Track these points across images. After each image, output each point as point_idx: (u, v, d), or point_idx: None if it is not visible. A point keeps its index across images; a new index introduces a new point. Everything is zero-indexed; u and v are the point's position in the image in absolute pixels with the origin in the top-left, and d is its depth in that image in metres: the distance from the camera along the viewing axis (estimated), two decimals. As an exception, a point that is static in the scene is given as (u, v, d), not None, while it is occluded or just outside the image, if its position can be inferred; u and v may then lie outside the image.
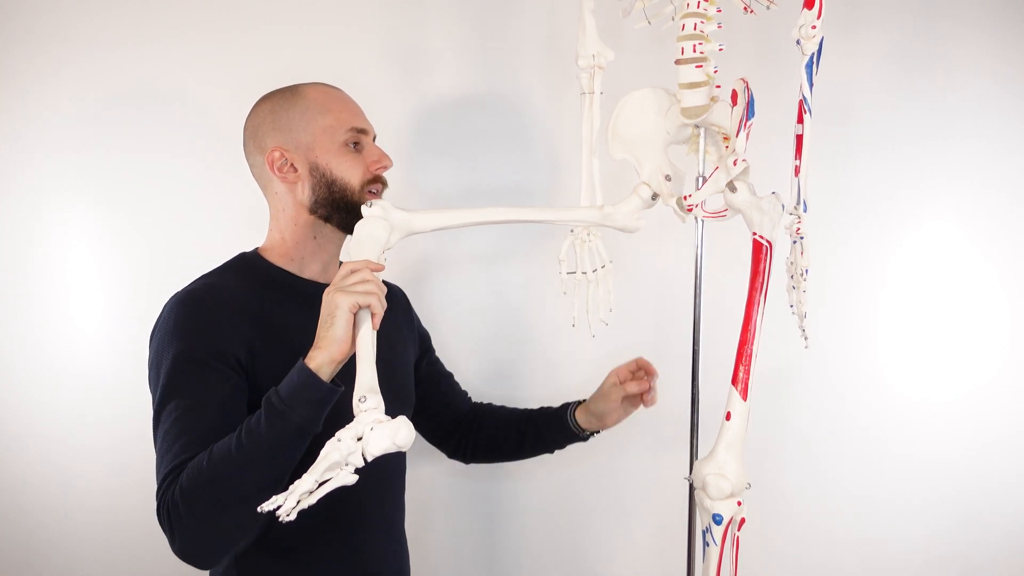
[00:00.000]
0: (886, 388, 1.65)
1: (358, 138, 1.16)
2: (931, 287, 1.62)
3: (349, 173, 1.14)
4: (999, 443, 1.62)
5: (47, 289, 1.76)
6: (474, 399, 1.53)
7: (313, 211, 1.15)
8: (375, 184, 1.17)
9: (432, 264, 1.70)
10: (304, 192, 1.15)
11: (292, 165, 1.14)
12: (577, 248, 1.20)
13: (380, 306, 0.94)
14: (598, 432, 1.37)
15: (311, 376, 0.92)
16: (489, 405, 1.49)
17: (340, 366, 0.94)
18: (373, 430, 0.83)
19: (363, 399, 0.87)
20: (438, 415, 1.44)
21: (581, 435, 1.36)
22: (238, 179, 1.68)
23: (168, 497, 0.95)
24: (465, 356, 1.68)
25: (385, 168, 1.19)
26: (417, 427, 1.40)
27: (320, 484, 0.82)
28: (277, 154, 1.14)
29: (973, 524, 1.64)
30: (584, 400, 1.36)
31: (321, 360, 0.92)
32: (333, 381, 0.95)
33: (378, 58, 1.67)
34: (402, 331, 1.33)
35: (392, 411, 1.02)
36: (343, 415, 0.88)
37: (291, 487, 0.82)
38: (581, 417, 1.34)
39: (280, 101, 1.16)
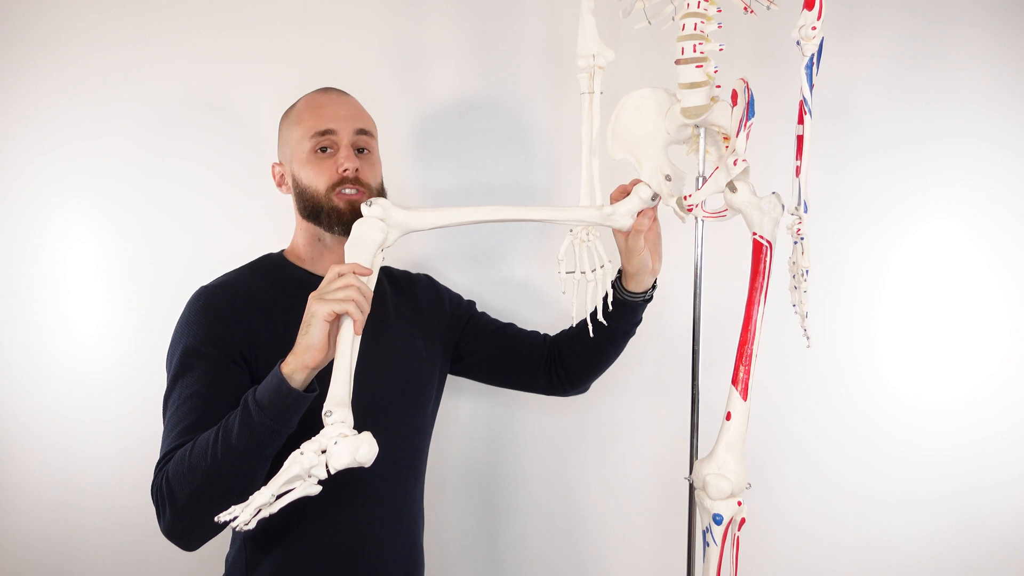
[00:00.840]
0: (886, 388, 1.65)
1: (326, 142, 1.17)
2: (932, 287, 1.62)
3: (315, 179, 1.18)
4: (999, 442, 1.62)
5: (47, 289, 1.75)
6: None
7: (304, 218, 1.22)
8: (344, 186, 1.16)
9: (431, 263, 1.70)
10: (295, 202, 1.23)
11: (283, 177, 1.24)
12: (576, 248, 1.20)
13: (359, 313, 0.95)
14: (656, 284, 1.28)
15: (283, 382, 0.94)
16: (560, 334, 1.42)
17: (315, 372, 0.97)
18: (336, 444, 0.85)
19: (329, 413, 0.88)
20: (512, 365, 1.40)
21: (646, 297, 1.27)
22: (236, 182, 1.70)
23: (159, 480, 1.01)
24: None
25: (347, 170, 1.16)
26: (501, 385, 1.44)
27: (280, 495, 0.84)
28: (276, 169, 1.25)
29: (973, 523, 1.64)
30: (619, 272, 1.27)
31: (294, 366, 0.95)
32: (312, 384, 0.98)
33: (378, 59, 1.67)
34: (423, 322, 1.33)
35: (402, 406, 1.05)
36: (319, 417, 0.91)
37: (250, 498, 0.83)
38: (631, 284, 1.24)
39: (284, 117, 1.25)
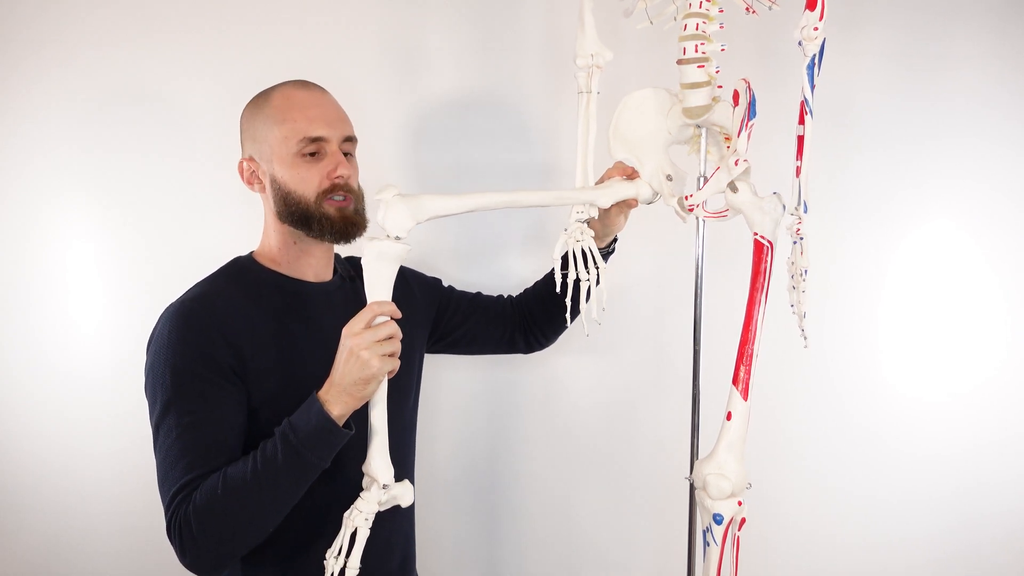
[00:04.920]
0: (886, 387, 1.65)
1: (315, 147, 1.11)
2: (931, 286, 1.62)
3: (303, 185, 1.11)
4: (1000, 442, 1.62)
5: (47, 289, 1.75)
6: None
7: (284, 221, 1.15)
8: (335, 193, 1.12)
9: (427, 262, 1.70)
10: (270, 202, 1.15)
11: (257, 176, 1.16)
12: (571, 247, 1.19)
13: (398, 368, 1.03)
14: (616, 239, 1.34)
15: (332, 424, 0.98)
16: (524, 292, 1.48)
17: None
18: (386, 498, 1.06)
19: (386, 487, 1.04)
20: (491, 334, 1.45)
21: (609, 250, 1.33)
22: (236, 180, 1.69)
23: (180, 516, 0.98)
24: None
25: (340, 178, 1.12)
26: (481, 353, 1.50)
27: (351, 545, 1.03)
28: (245, 165, 1.17)
29: (974, 523, 1.64)
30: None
31: (343, 411, 0.99)
32: (348, 422, 1.02)
33: (377, 57, 1.67)
34: (403, 315, 1.32)
35: (391, 402, 1.05)
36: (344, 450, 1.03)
37: (331, 568, 1.02)
38: (597, 242, 1.27)
39: (253, 108, 1.16)
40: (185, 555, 0.99)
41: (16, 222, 1.74)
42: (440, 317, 1.40)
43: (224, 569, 1.04)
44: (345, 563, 1.03)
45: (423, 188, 1.68)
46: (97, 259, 1.74)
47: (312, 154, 1.11)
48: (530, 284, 1.47)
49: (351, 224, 1.13)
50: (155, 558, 1.75)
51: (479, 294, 1.48)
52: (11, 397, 1.77)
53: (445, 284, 1.46)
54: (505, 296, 1.50)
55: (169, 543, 1.01)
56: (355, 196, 1.15)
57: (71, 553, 1.81)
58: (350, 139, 1.16)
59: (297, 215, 1.12)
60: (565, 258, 1.18)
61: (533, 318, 1.44)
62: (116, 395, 1.75)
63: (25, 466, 1.79)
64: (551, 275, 1.33)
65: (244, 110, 1.18)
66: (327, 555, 1.04)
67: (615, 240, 1.34)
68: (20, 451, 1.78)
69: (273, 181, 1.13)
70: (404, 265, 1.41)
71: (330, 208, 1.12)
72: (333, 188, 1.12)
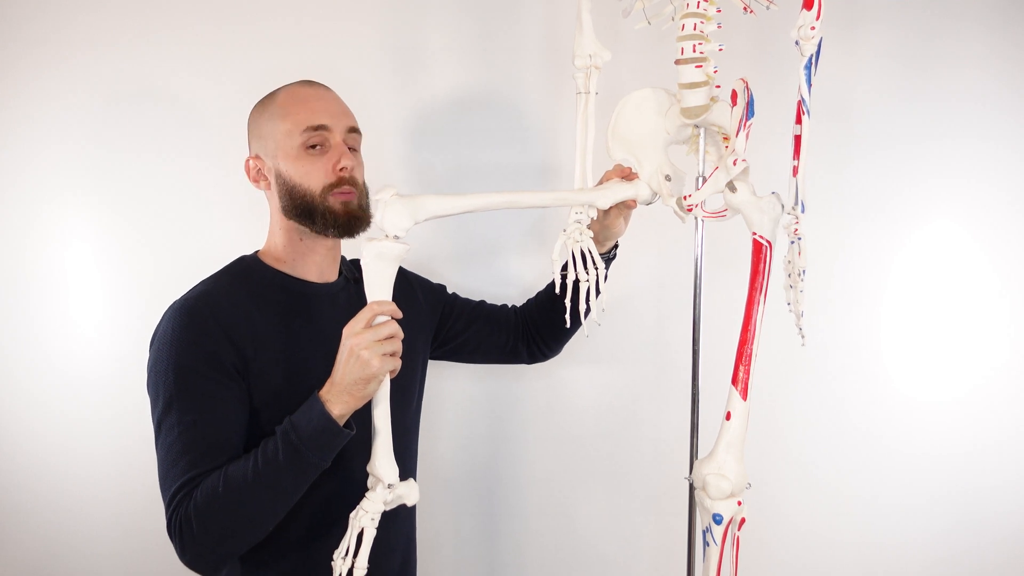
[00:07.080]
0: (887, 388, 1.65)
1: (318, 138, 1.11)
2: (933, 286, 1.62)
3: (308, 178, 1.11)
4: (1002, 443, 1.62)
5: (47, 289, 1.75)
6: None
7: (289, 216, 1.15)
8: (341, 186, 1.12)
9: (425, 263, 1.70)
10: (275, 199, 1.16)
11: (263, 173, 1.16)
12: (571, 248, 1.19)
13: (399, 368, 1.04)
14: (617, 244, 1.34)
15: (334, 424, 0.98)
16: (527, 302, 1.48)
17: None
18: (391, 497, 1.07)
19: (392, 486, 1.06)
20: (493, 342, 1.45)
21: (610, 256, 1.34)
22: (236, 179, 1.69)
23: (180, 514, 0.99)
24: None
25: (345, 170, 1.12)
26: (484, 362, 1.50)
27: (357, 546, 1.04)
28: (251, 163, 1.17)
29: (974, 524, 1.64)
30: None
31: (344, 411, 0.99)
32: (349, 422, 1.02)
33: (377, 57, 1.67)
34: (405, 318, 1.32)
35: (394, 405, 1.06)
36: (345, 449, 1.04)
37: (339, 569, 1.03)
38: (598, 247, 1.27)
39: (259, 108, 1.18)
40: (185, 553, 1.00)
41: (16, 222, 1.74)
42: (443, 323, 1.41)
43: (224, 567, 1.05)
44: (353, 563, 1.03)
45: (422, 188, 1.68)
46: (97, 259, 1.74)
47: (317, 146, 1.12)
48: (528, 285, 1.47)
49: (355, 218, 1.14)
50: (155, 557, 1.75)
51: (483, 302, 1.48)
52: (11, 397, 1.78)
53: (449, 291, 1.46)
54: (509, 306, 1.49)
55: (169, 541, 1.01)
56: (359, 191, 1.16)
57: (71, 553, 1.81)
58: (354, 130, 1.17)
59: (302, 208, 1.12)
60: (566, 264, 1.18)
61: (536, 326, 1.43)
62: (117, 395, 1.75)
63: (25, 466, 1.79)
64: (554, 283, 1.33)
65: (251, 112, 1.20)
66: (334, 555, 1.05)
67: (616, 246, 1.34)
68: (20, 451, 1.79)
69: (278, 176, 1.14)
70: (406, 268, 1.42)
71: (335, 202, 1.12)
72: (339, 182, 1.12)
